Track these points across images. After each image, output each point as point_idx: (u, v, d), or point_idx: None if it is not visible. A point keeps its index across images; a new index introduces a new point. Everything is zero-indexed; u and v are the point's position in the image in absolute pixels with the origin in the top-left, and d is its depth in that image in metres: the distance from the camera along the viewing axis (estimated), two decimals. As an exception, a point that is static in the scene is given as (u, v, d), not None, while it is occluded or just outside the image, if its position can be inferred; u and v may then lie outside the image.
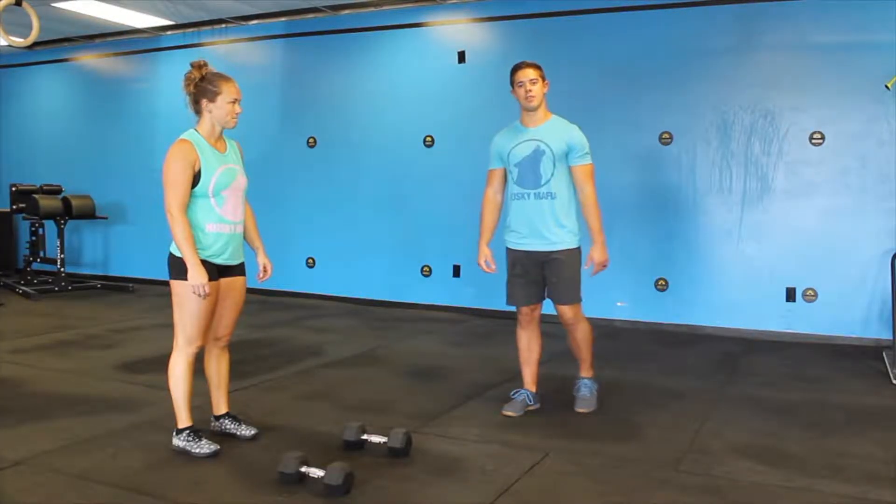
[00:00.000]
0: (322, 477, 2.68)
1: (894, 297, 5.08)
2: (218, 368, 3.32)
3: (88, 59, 8.71)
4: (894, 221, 5.40)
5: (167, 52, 8.14)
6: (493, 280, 6.79)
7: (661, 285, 6.08)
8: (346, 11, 7.12)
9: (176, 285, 3.01)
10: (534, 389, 3.85)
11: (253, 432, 3.27)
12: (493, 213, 3.86)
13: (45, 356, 4.82)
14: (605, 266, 3.69)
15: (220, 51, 7.85)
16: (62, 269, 7.80)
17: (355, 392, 4.13)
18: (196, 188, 3.01)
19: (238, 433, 3.26)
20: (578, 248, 3.71)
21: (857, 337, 5.51)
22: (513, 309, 3.93)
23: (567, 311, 3.72)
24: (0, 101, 9.31)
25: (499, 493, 2.73)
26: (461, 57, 6.72)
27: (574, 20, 6.28)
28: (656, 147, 5.99)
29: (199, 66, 3.09)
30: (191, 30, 7.91)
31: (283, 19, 7.45)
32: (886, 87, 5.27)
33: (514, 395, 3.86)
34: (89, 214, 7.96)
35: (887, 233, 5.41)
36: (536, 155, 3.65)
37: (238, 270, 3.21)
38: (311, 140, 7.39)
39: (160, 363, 4.62)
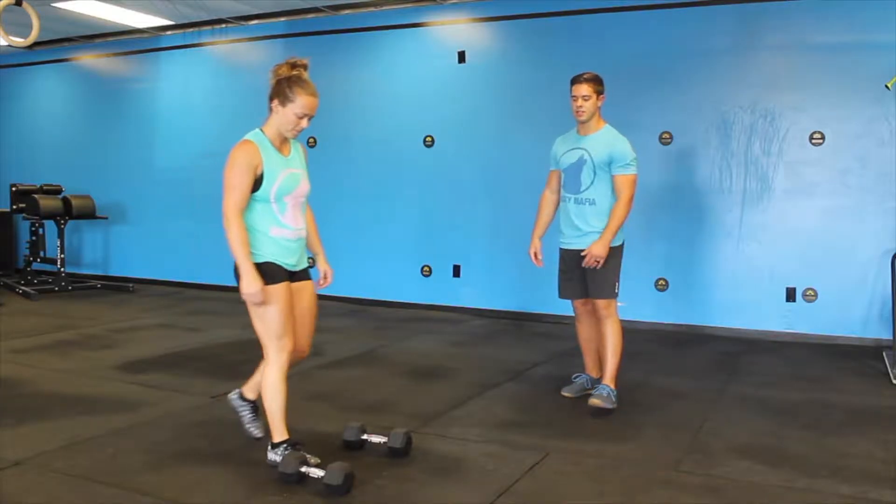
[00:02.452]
0: (322, 477, 2.68)
1: (894, 297, 5.08)
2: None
3: (88, 59, 8.71)
4: (894, 221, 5.40)
5: (167, 52, 8.15)
6: (493, 280, 6.83)
7: (661, 285, 6.08)
8: (346, 11, 7.12)
9: None
10: (596, 375, 4.03)
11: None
12: (548, 211, 4.08)
13: (45, 356, 4.81)
14: (597, 262, 3.75)
15: (220, 51, 7.85)
16: (62, 269, 7.79)
17: (355, 392, 4.13)
18: (257, 192, 2.82)
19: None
20: (616, 248, 3.83)
21: (857, 337, 5.51)
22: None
23: (601, 304, 3.88)
24: (0, 101, 9.32)
25: (499, 493, 2.73)
26: (461, 57, 6.72)
27: (574, 20, 6.29)
28: (656, 147, 5.99)
29: (291, 64, 2.87)
30: (191, 30, 7.91)
31: (283, 19, 7.44)
32: (886, 87, 5.27)
33: (574, 378, 4.07)
34: (89, 214, 7.96)
35: (887, 233, 5.41)
36: (580, 163, 3.85)
37: (304, 275, 3.03)
38: (311, 140, 7.39)
39: (160, 363, 4.65)
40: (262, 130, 2.90)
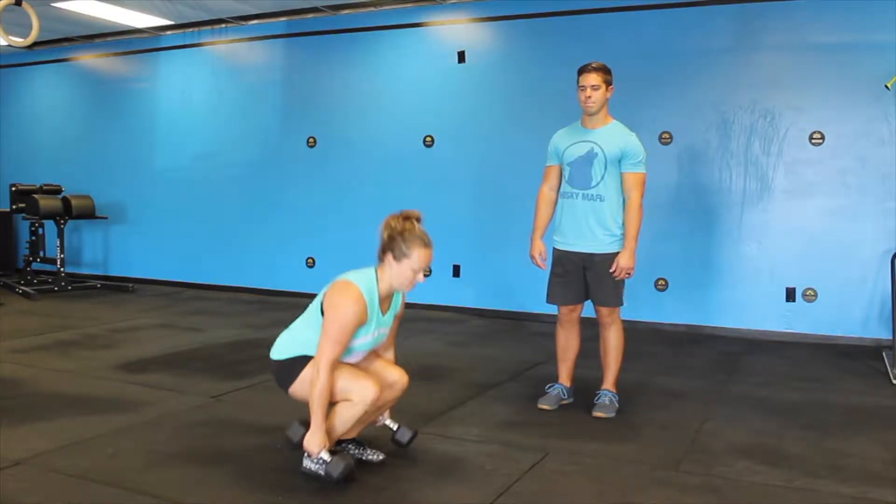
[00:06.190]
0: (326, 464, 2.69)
1: (894, 297, 5.08)
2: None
3: (88, 59, 8.71)
4: (894, 221, 5.40)
5: (167, 52, 8.15)
6: (493, 280, 6.84)
7: (661, 285, 6.08)
8: (346, 11, 7.12)
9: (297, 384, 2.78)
10: (568, 384, 3.92)
11: (381, 457, 2.99)
12: (548, 209, 3.89)
13: (45, 356, 4.81)
14: (629, 274, 3.68)
15: (220, 51, 7.85)
16: (62, 269, 7.79)
17: (355, 392, 4.12)
18: None
19: (364, 458, 2.99)
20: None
21: (857, 337, 5.51)
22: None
23: (605, 312, 3.77)
24: (0, 101, 9.32)
25: (499, 493, 2.73)
26: (461, 57, 6.72)
27: (574, 20, 6.29)
28: (656, 147, 5.98)
29: (406, 217, 2.80)
30: (191, 30, 7.91)
31: (283, 19, 7.44)
32: (886, 87, 5.27)
33: (548, 389, 3.92)
34: (89, 214, 7.96)
35: (887, 233, 5.41)
36: (589, 157, 3.70)
37: None
38: (310, 140, 7.39)
39: (160, 363, 4.65)
40: (376, 280, 2.80)
